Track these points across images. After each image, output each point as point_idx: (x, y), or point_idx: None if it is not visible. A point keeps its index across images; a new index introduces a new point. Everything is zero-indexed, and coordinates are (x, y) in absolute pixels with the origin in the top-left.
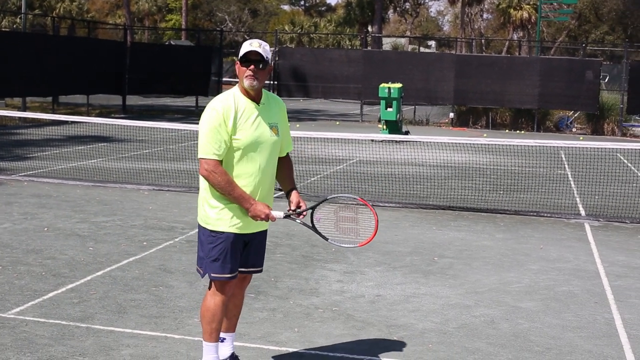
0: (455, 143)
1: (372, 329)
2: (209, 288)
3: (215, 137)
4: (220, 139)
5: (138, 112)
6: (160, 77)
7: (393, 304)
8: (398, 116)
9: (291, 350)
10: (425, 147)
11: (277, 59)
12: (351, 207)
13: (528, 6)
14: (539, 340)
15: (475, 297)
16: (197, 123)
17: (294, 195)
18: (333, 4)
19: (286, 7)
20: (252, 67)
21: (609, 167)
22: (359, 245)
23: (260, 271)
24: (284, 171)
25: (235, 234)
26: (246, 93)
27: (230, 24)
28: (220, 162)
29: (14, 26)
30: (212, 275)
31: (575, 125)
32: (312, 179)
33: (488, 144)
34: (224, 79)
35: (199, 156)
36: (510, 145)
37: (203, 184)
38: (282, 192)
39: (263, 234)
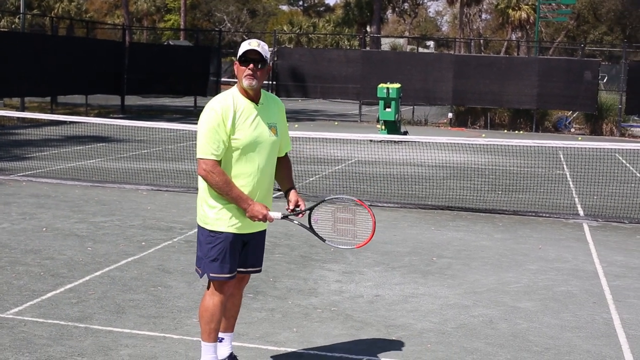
0: (454, 143)
1: (370, 329)
2: (208, 288)
3: (214, 138)
4: (218, 139)
5: (137, 112)
6: (159, 77)
7: (392, 304)
8: (396, 116)
9: (290, 350)
10: (423, 148)
11: (275, 59)
12: (349, 209)
13: (527, 6)
14: (537, 340)
15: (474, 297)
16: (196, 123)
17: (292, 195)
18: (332, 4)
19: (285, 8)
20: (251, 66)
21: (607, 167)
22: (356, 247)
23: (259, 271)
24: (283, 171)
25: (234, 234)
26: (245, 93)
27: (228, 24)
28: (219, 162)
29: (13, 26)
30: (211, 275)
31: (574, 126)
32: (311, 179)
33: (486, 144)
34: (223, 79)
35: (198, 156)
36: (508, 145)
37: (202, 184)
38: (281, 192)
39: (262, 234)
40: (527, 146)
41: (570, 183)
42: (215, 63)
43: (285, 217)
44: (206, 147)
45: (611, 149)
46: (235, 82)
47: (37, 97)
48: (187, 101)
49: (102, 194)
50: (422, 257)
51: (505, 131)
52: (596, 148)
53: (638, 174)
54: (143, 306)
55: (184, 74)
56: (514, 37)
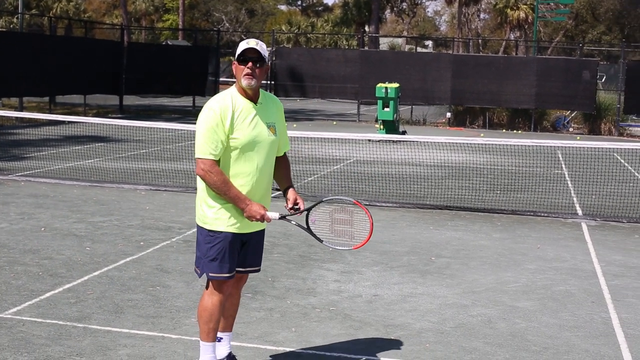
0: (452, 143)
1: (369, 328)
2: (207, 288)
3: (212, 137)
4: (217, 139)
5: (135, 112)
6: (158, 77)
7: (390, 303)
8: (395, 116)
9: (288, 350)
10: (422, 147)
11: (274, 59)
12: (346, 210)
13: (525, 6)
14: (536, 339)
15: (473, 297)
16: (194, 123)
17: (290, 193)
18: (330, 3)
19: (283, 7)
20: (249, 64)
21: (606, 166)
22: (354, 248)
23: (258, 271)
24: (281, 170)
25: (233, 234)
26: (244, 93)
27: (227, 24)
28: (217, 162)
29: (11, 26)
30: (210, 274)
31: (572, 125)
32: (309, 178)
33: (485, 144)
34: (221, 79)
35: (196, 156)
36: (507, 145)
37: (201, 184)
38: (280, 192)
39: (261, 233)
40: (525, 146)
41: (569, 182)
42: (213, 63)
43: (283, 217)
44: (204, 147)
45: (609, 148)
46: (234, 82)
47: (35, 97)
48: (185, 101)
49: (100, 194)
50: (421, 256)
51: (504, 131)
52: (594, 147)
53: (636, 174)
54: (141, 306)
55: (183, 73)
56: (512, 37)
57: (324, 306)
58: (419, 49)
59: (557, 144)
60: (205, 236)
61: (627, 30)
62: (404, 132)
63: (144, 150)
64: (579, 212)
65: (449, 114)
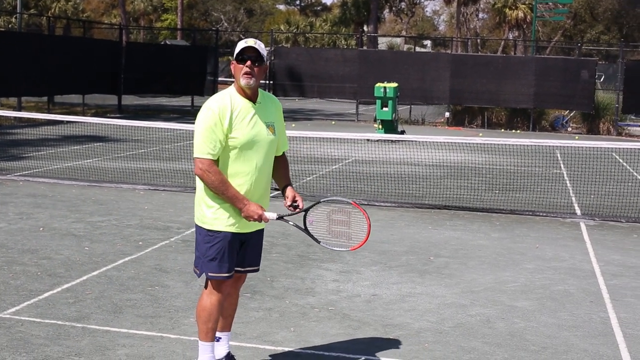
0: (451, 142)
1: (368, 328)
2: (205, 287)
3: (211, 137)
4: (215, 138)
5: (134, 112)
6: (156, 76)
7: (389, 303)
8: (394, 116)
9: (287, 349)
10: (420, 147)
11: (272, 58)
12: (344, 211)
13: (523, 6)
14: (534, 339)
15: (471, 297)
16: (193, 123)
17: (289, 191)
18: (329, 3)
19: (282, 7)
20: (248, 63)
21: (604, 166)
22: (351, 249)
23: (257, 270)
24: (280, 170)
25: (232, 233)
26: (242, 92)
27: (225, 24)
28: (215, 161)
29: (9, 26)
30: (209, 274)
31: (571, 125)
32: (308, 178)
33: (484, 144)
34: (220, 79)
35: (194, 155)
36: (505, 144)
37: (200, 183)
38: (279, 192)
39: (260, 233)
40: (524, 145)
41: (568, 182)
42: (212, 62)
43: (280, 217)
44: (203, 147)
45: (608, 148)
46: (233, 82)
47: (34, 97)
48: (184, 101)
49: (99, 194)
50: (419, 256)
51: (502, 130)
52: (593, 147)
53: (635, 173)
54: (140, 306)
55: (181, 73)
56: (511, 37)
57: (322, 306)
58: (418, 49)
59: (555, 143)
60: (204, 236)
61: (625, 29)
62: (402, 132)
63: (143, 150)
64: (578, 211)
65: (447, 114)
